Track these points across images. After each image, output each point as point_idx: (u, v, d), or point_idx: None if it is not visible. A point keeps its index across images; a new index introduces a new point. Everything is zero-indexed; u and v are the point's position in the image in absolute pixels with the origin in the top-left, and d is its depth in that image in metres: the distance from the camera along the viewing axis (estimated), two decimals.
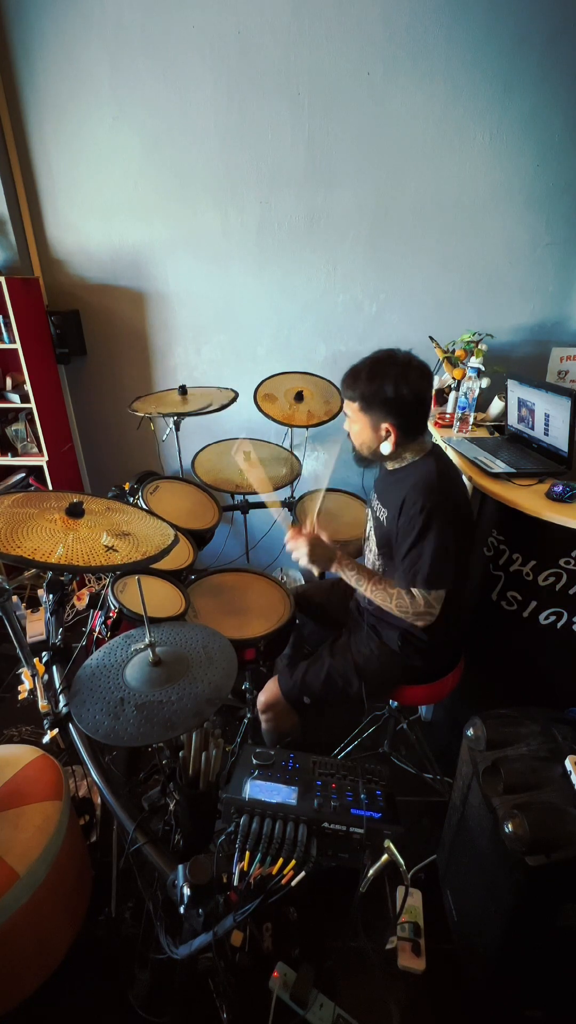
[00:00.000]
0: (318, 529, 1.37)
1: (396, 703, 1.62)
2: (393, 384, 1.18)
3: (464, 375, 1.89)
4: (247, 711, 1.61)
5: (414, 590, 1.22)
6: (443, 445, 1.69)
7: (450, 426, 1.95)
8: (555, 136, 1.92)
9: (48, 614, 1.48)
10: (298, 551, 1.34)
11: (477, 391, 1.84)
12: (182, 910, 0.87)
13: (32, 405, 2.31)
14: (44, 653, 1.43)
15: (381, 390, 1.19)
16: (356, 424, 1.29)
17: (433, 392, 1.29)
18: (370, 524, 1.47)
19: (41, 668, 1.38)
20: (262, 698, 1.47)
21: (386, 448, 1.26)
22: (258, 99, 2.01)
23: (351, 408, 1.28)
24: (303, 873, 0.85)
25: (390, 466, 1.34)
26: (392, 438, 1.24)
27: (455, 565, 1.21)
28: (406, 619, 1.26)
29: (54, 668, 1.42)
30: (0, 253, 2.28)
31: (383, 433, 1.24)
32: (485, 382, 1.91)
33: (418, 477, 1.23)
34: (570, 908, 1.01)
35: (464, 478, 1.53)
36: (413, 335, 2.21)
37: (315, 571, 1.36)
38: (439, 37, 1.85)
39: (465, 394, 1.85)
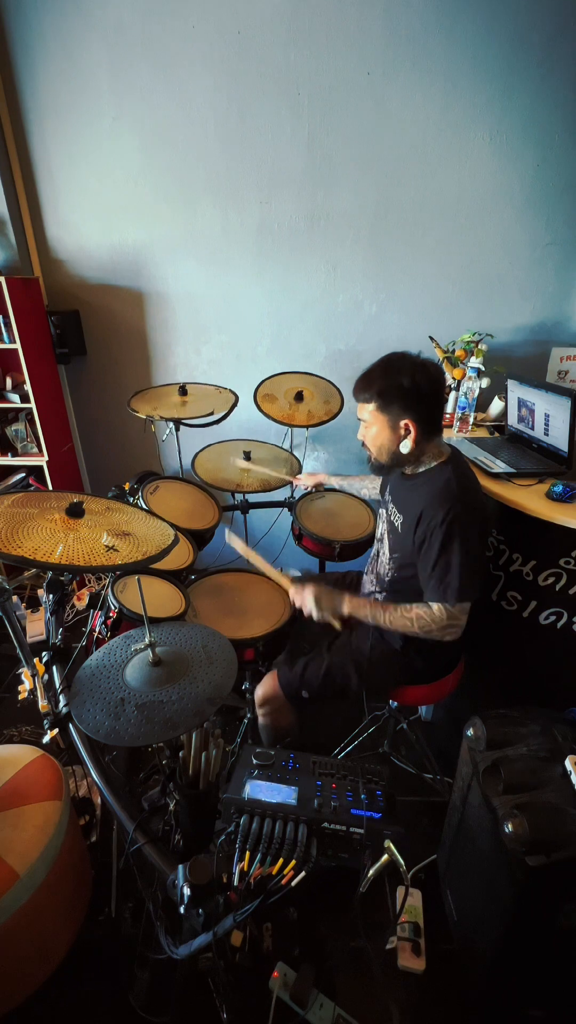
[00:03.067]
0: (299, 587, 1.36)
1: (396, 703, 1.62)
2: (410, 376, 1.17)
3: (464, 375, 1.89)
4: (247, 711, 1.61)
5: (437, 605, 1.21)
6: (454, 445, 1.69)
7: (450, 426, 1.95)
8: (555, 136, 1.92)
9: (48, 614, 1.48)
10: (307, 605, 1.33)
11: (477, 391, 1.84)
12: (182, 910, 0.87)
13: (32, 405, 2.31)
14: (44, 653, 1.43)
15: (399, 383, 1.18)
16: (373, 427, 1.26)
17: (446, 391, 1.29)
18: (383, 527, 1.45)
19: (41, 668, 1.38)
20: (259, 692, 1.46)
21: (406, 447, 1.24)
22: (258, 99, 2.01)
23: (366, 411, 1.26)
24: (303, 873, 0.85)
25: (408, 471, 1.33)
26: (412, 435, 1.22)
27: (480, 573, 1.21)
28: (431, 636, 1.24)
29: (54, 668, 1.42)
30: (0, 253, 2.28)
31: (402, 431, 1.23)
32: (485, 382, 1.91)
33: (437, 486, 1.22)
34: (570, 908, 1.01)
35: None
36: (413, 335, 2.21)
37: (334, 623, 1.33)
38: (439, 37, 1.85)
39: (465, 394, 1.85)
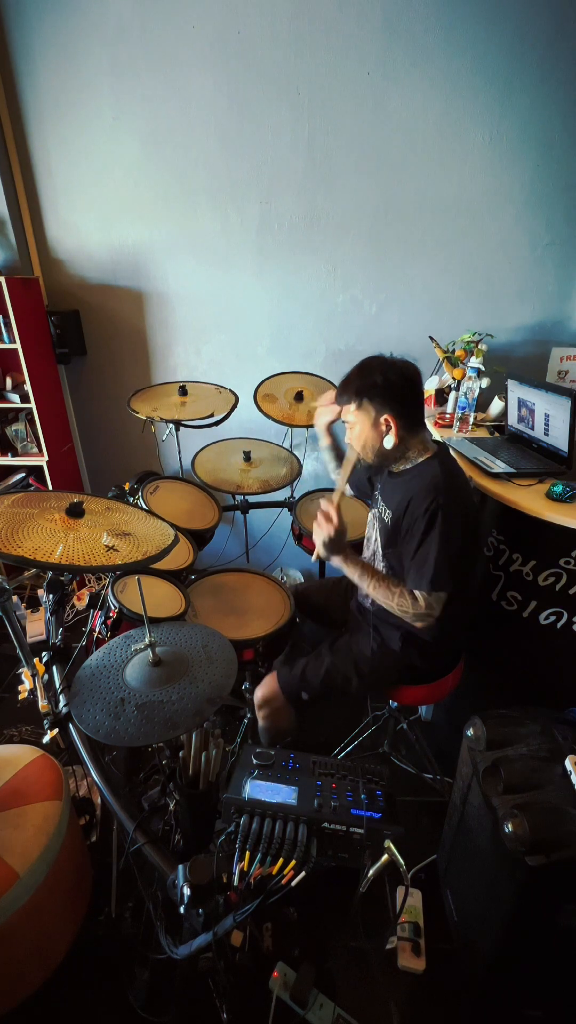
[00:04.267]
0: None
1: (396, 703, 1.62)
2: (382, 372, 1.23)
3: (464, 375, 1.89)
4: (247, 711, 1.61)
5: (418, 592, 1.23)
6: (441, 440, 1.68)
7: (450, 426, 1.95)
8: (555, 136, 1.92)
9: (48, 614, 1.48)
10: (322, 531, 1.31)
11: (477, 391, 1.84)
12: (182, 910, 0.87)
13: (32, 405, 2.31)
14: (44, 653, 1.43)
15: (373, 381, 1.23)
16: (356, 426, 1.30)
17: (423, 383, 1.31)
18: (374, 525, 1.46)
19: (41, 668, 1.38)
20: (259, 693, 1.46)
21: (389, 442, 1.26)
22: (258, 99, 2.01)
23: (349, 412, 1.30)
24: (303, 873, 0.85)
25: (396, 468, 1.34)
26: (393, 430, 1.25)
27: (459, 566, 1.21)
28: (405, 619, 1.27)
29: (54, 668, 1.42)
30: (0, 253, 2.28)
31: (383, 427, 1.26)
32: (485, 382, 1.91)
33: (424, 479, 1.24)
34: (570, 908, 1.01)
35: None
36: (413, 335, 2.21)
37: (321, 554, 1.33)
38: (439, 37, 1.85)
39: (465, 394, 1.85)
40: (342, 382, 1.30)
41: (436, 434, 1.91)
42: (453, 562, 1.20)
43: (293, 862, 0.88)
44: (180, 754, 1.08)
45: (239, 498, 2.15)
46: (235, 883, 0.87)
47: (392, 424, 1.24)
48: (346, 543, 1.34)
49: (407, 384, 1.24)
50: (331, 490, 2.12)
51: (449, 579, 1.20)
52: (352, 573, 1.33)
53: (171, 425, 2.09)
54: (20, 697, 1.40)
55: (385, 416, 1.24)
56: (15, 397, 2.35)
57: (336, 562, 1.33)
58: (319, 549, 1.34)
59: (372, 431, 1.27)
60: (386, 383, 1.22)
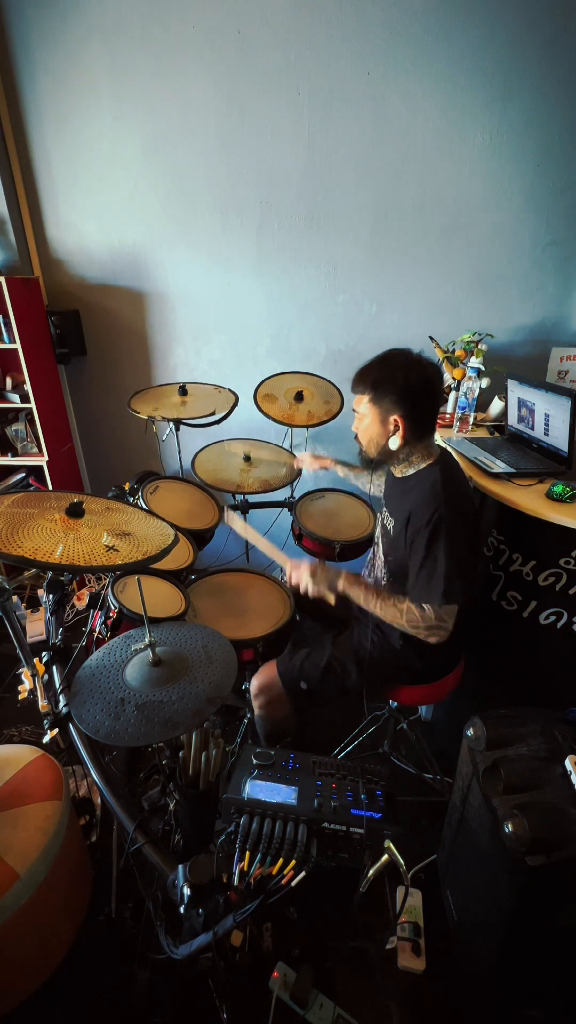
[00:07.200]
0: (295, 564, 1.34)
1: (396, 703, 1.62)
2: (404, 371, 1.19)
3: (464, 375, 1.89)
4: (247, 711, 1.61)
5: (427, 605, 1.21)
6: (444, 446, 1.68)
7: (450, 426, 1.95)
8: (555, 136, 1.92)
9: (48, 614, 1.48)
10: (302, 581, 1.31)
11: (477, 391, 1.84)
12: (182, 910, 0.87)
13: (32, 405, 2.31)
14: (44, 653, 1.43)
15: (392, 377, 1.20)
16: (365, 418, 1.27)
17: (442, 390, 1.29)
18: (379, 530, 1.47)
19: (41, 668, 1.38)
20: (256, 681, 1.45)
21: (394, 443, 1.24)
22: (258, 99, 2.01)
23: (361, 402, 1.27)
24: (303, 873, 0.85)
25: (398, 473, 1.33)
26: (400, 432, 1.23)
27: (467, 575, 1.20)
28: (417, 634, 1.24)
29: (54, 668, 1.42)
30: (0, 253, 2.28)
31: (391, 426, 1.23)
32: (485, 382, 1.92)
33: (425, 488, 1.23)
34: (570, 908, 1.01)
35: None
36: (413, 335, 2.21)
37: (329, 598, 1.32)
38: (439, 37, 1.85)
39: (465, 394, 1.85)
40: (362, 369, 1.26)
41: (436, 435, 1.91)
42: (461, 572, 1.18)
43: (293, 862, 0.89)
44: (180, 754, 1.08)
45: (239, 498, 2.15)
46: (235, 883, 0.87)
47: (401, 426, 1.22)
48: (332, 570, 1.32)
49: (427, 391, 1.20)
50: (331, 490, 2.15)
51: (459, 591, 1.18)
52: (356, 597, 1.30)
53: (171, 425, 2.09)
54: (20, 697, 1.40)
55: (395, 416, 1.21)
56: (15, 397, 2.35)
57: (341, 587, 1.30)
58: (312, 590, 1.31)
59: (380, 427, 1.25)
60: (406, 384, 1.19)
